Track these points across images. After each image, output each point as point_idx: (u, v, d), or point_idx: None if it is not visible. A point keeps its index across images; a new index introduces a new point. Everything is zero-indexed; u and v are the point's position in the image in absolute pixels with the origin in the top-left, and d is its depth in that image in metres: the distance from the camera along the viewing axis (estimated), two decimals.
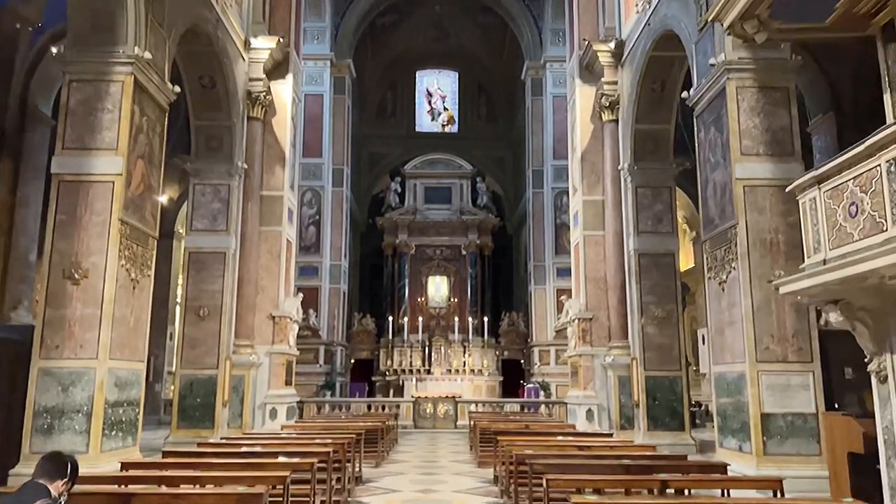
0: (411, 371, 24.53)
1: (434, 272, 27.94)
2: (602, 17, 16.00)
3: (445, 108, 33.03)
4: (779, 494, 5.45)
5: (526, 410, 18.17)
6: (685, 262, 21.33)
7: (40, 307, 8.79)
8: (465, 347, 25.37)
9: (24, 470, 7.67)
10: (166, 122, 10.59)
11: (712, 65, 9.89)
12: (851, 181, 5.20)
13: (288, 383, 15.19)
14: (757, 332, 8.98)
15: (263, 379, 14.44)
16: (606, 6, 15.81)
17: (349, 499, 8.23)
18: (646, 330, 13.79)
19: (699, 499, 5.75)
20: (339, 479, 7.95)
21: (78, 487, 4.80)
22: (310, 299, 20.40)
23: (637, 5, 13.97)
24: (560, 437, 9.56)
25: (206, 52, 12.99)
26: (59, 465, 3.49)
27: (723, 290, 9.75)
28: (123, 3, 9.29)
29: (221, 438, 10.40)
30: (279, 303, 14.95)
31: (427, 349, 25.14)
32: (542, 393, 21.40)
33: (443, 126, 33.00)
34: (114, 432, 8.94)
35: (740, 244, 9.25)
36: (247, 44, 14.71)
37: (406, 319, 26.05)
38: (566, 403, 16.65)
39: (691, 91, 10.82)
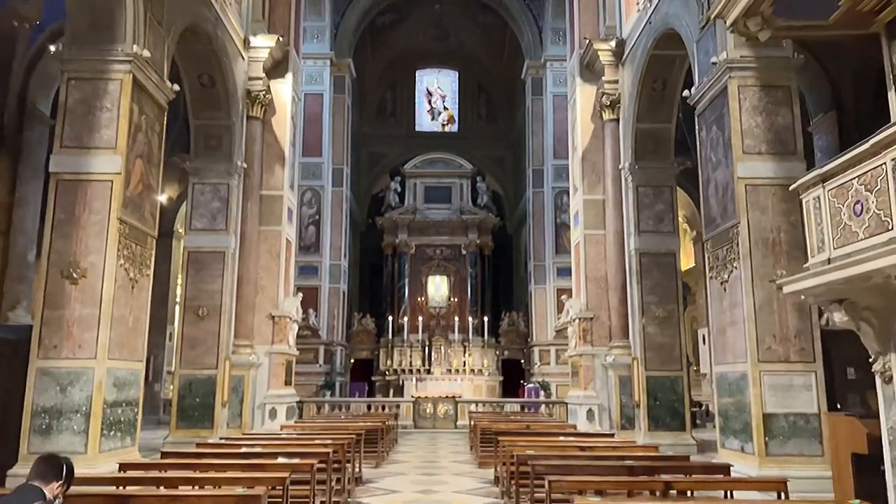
0: (411, 371, 24.48)
1: (434, 272, 27.89)
2: (603, 16, 15.95)
3: (445, 108, 32.98)
4: (783, 496, 5.40)
5: (526, 410, 18.12)
6: (685, 261, 21.28)
7: (38, 307, 8.73)
8: (465, 347, 25.32)
9: (22, 470, 7.61)
10: (165, 121, 10.54)
11: (714, 63, 9.84)
12: (856, 179, 5.15)
13: (287, 383, 15.14)
14: (759, 331, 8.95)
15: (263, 379, 14.40)
16: (607, 5, 15.76)
17: (349, 499, 8.18)
18: (647, 330, 13.75)
19: (703, 501, 5.70)
20: (338, 480, 7.91)
21: (75, 489, 4.75)
22: (309, 299, 20.36)
23: (638, 4, 13.92)
24: (561, 438, 9.50)
25: (206, 50, 12.94)
26: (54, 466, 3.44)
27: (724, 289, 9.70)
28: (122, 2, 9.24)
29: (220, 439, 10.35)
30: (279, 302, 14.90)
31: (427, 349, 25.08)
32: (542, 393, 21.36)
33: (443, 125, 32.95)
34: (112, 432, 8.89)
35: (742, 243, 9.20)
36: (246, 42, 14.66)
37: (406, 319, 26.00)
38: (567, 403, 16.61)
39: (692, 90, 10.77)
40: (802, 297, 6.02)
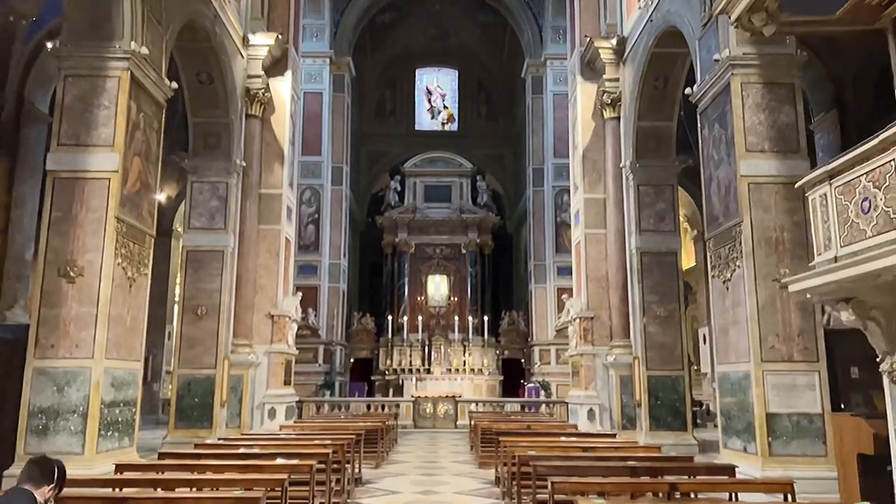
0: (411, 370, 24.40)
1: (434, 271, 27.82)
2: (603, 14, 15.89)
3: (445, 107, 32.89)
4: (790, 498, 5.31)
5: (526, 410, 18.06)
6: (686, 260, 21.21)
7: (35, 306, 8.65)
8: (465, 347, 25.24)
9: (19, 471, 7.51)
10: (164, 119, 10.46)
11: (716, 60, 9.77)
12: (864, 176, 5.07)
13: (287, 383, 15.07)
14: (762, 331, 8.88)
15: (262, 378, 14.32)
16: (608, 3, 15.71)
17: (348, 500, 8.10)
18: (648, 329, 13.68)
19: (707, 503, 5.63)
20: (338, 481, 7.83)
21: (70, 491, 4.68)
22: (309, 298, 20.29)
23: (639, 1, 13.85)
24: (563, 438, 9.43)
25: (204, 48, 12.86)
26: (45, 470, 3.36)
27: (727, 288, 9.63)
28: None
29: (219, 439, 10.27)
30: (278, 302, 14.82)
31: (427, 348, 25.00)
32: (542, 392, 21.29)
33: (443, 124, 32.86)
34: (110, 433, 8.82)
35: (745, 242, 9.13)
36: (245, 40, 14.58)
37: (406, 318, 25.92)
38: (567, 403, 16.55)
39: (695, 87, 10.70)
40: (808, 295, 5.95)
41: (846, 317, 5.34)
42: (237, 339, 13.85)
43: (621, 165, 14.66)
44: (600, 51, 15.03)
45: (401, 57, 31.07)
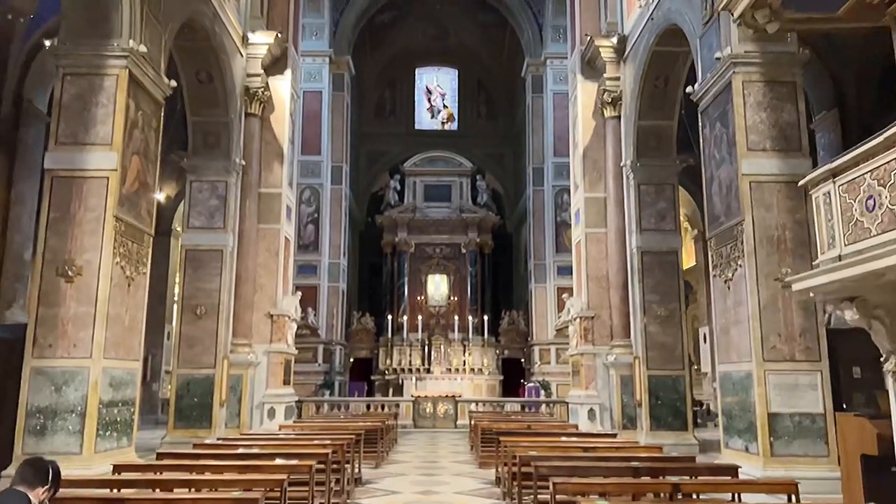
0: (411, 370, 24.35)
1: (434, 270, 27.77)
2: (604, 13, 15.84)
3: (445, 106, 32.84)
4: (793, 499, 5.27)
5: (527, 410, 18.02)
6: (686, 260, 21.17)
7: (33, 305, 8.61)
8: (464, 346, 25.20)
9: None
10: (162, 118, 10.41)
11: (718, 59, 9.73)
12: (868, 174, 5.02)
13: (286, 382, 15.02)
14: (764, 330, 8.85)
15: (261, 378, 14.27)
16: (608, 1, 15.65)
17: (348, 501, 8.06)
18: (648, 329, 13.64)
19: (709, 503, 5.58)
20: (337, 481, 7.79)
21: (67, 492, 4.64)
22: (308, 298, 20.25)
23: (640, 0, 13.79)
24: (564, 438, 9.38)
25: (203, 46, 12.81)
26: (40, 471, 3.31)
27: (728, 287, 9.59)
28: None
29: (218, 439, 10.22)
30: (277, 301, 14.78)
31: (427, 348, 24.96)
32: (542, 392, 21.24)
33: (442, 123, 32.81)
34: (108, 433, 8.77)
35: (747, 241, 9.09)
36: (244, 39, 14.53)
37: (405, 318, 25.88)
38: (567, 403, 16.50)
39: (696, 86, 10.66)
40: (811, 294, 5.90)
41: (850, 316, 5.29)
42: (236, 338, 13.80)
43: (622, 164, 14.61)
44: (601, 49, 14.98)
45: (400, 56, 31.02)
